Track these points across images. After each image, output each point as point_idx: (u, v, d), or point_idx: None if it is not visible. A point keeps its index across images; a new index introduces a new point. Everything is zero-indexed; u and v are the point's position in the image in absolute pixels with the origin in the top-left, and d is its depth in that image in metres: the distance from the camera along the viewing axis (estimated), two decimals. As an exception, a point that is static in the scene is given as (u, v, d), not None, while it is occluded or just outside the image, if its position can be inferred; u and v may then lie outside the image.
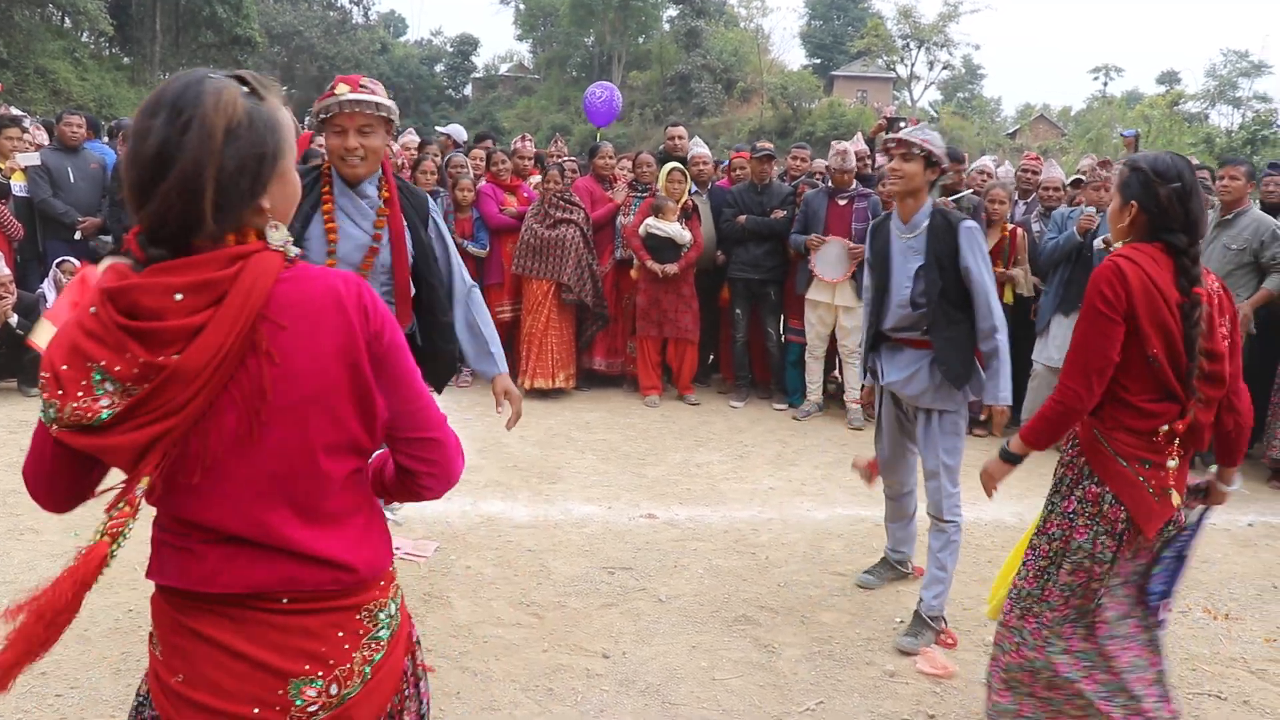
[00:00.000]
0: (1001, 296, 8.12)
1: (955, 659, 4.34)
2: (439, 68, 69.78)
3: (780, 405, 9.03)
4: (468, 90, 70.23)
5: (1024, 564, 3.45)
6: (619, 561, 5.22)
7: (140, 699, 1.90)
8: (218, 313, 1.59)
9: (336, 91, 3.46)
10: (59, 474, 1.73)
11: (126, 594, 4.48)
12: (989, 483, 3.59)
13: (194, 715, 1.74)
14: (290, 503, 1.73)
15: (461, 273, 3.93)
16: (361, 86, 3.48)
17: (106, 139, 11.29)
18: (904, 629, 4.61)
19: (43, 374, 1.62)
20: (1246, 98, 59.40)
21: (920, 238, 4.54)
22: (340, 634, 1.79)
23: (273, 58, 53.11)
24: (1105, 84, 66.96)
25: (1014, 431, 3.52)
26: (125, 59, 42.29)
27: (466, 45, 70.71)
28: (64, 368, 1.59)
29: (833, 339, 8.56)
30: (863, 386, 4.62)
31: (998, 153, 41.81)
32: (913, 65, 63.55)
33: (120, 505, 1.63)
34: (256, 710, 1.73)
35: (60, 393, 1.59)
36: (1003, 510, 6.44)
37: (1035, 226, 8.38)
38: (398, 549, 3.50)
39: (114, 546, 1.62)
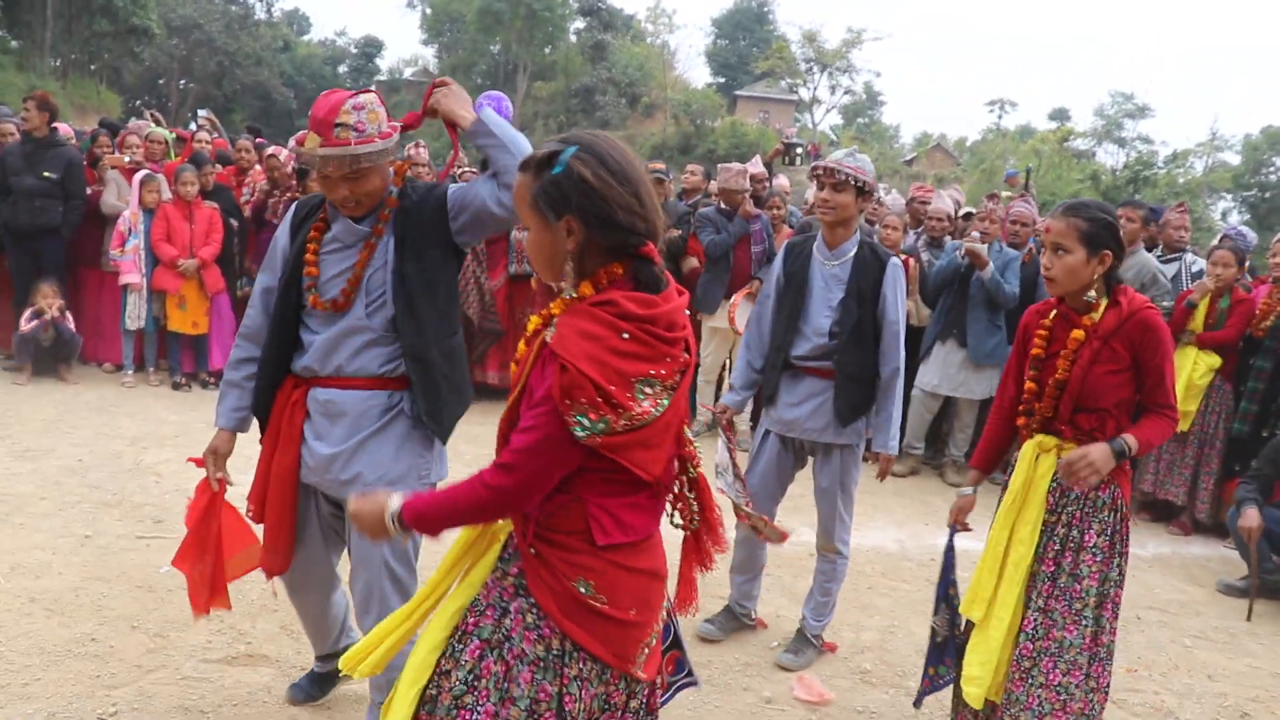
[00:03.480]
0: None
1: (831, 686, 4.38)
2: (342, 69, 68.84)
3: (670, 426, 9.00)
4: (371, 93, 69.30)
5: (1056, 619, 3.36)
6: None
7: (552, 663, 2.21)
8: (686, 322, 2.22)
9: (305, 144, 2.95)
10: (556, 479, 2.14)
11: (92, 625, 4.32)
12: (1091, 474, 3.23)
13: (642, 634, 2.28)
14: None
15: None
16: (338, 129, 2.90)
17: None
18: (785, 646, 4.67)
19: (582, 400, 2.00)
20: (1131, 138, 61.53)
21: (845, 266, 4.42)
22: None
23: (170, 50, 51.80)
24: (1000, 117, 68.81)
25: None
26: (13, 43, 40.83)
27: (371, 47, 69.97)
28: (612, 388, 2.01)
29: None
30: (721, 405, 4.42)
31: (894, 179, 42.69)
32: (815, 89, 64.55)
33: (689, 491, 2.39)
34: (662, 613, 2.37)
35: (611, 409, 2.02)
36: (884, 537, 6.55)
37: (924, 256, 8.53)
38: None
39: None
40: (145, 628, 4.28)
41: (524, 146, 3.04)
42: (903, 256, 8.25)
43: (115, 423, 7.49)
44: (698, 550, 2.46)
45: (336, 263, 3.13)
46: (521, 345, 2.24)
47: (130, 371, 8.89)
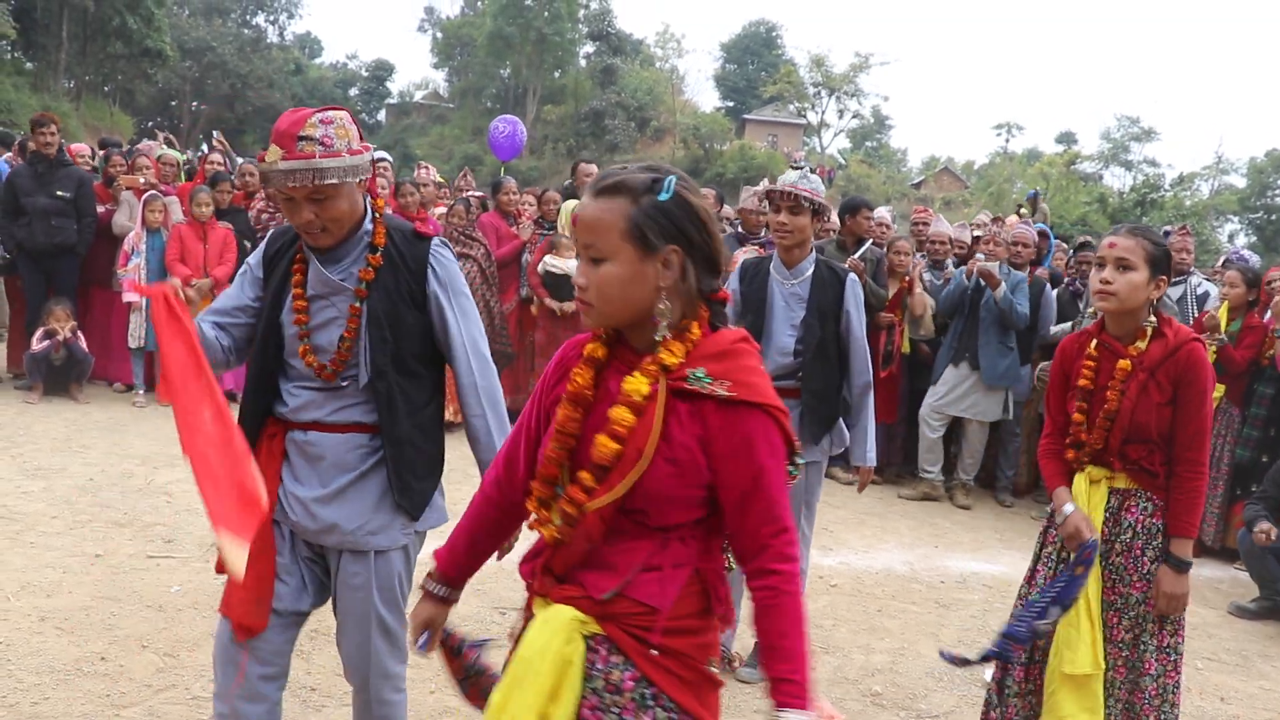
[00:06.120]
0: (901, 346, 8.31)
1: (842, 709, 4.36)
2: (353, 91, 69.26)
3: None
4: (381, 115, 69.77)
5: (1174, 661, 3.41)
6: (511, 601, 5.17)
7: None
8: None
9: (266, 158, 2.64)
10: None
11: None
12: (1182, 603, 3.34)
13: None
14: None
15: (471, 359, 2.91)
16: (302, 142, 2.60)
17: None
18: (747, 660, 4.66)
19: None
20: (1137, 161, 61.61)
21: (805, 284, 4.46)
22: None
23: (184, 72, 52.16)
24: (1007, 140, 68.76)
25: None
26: (28, 64, 41.12)
27: (382, 70, 70.38)
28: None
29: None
30: None
31: (902, 202, 42.75)
32: (823, 113, 64.69)
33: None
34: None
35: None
36: (894, 559, 6.53)
37: (925, 277, 8.56)
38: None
39: None
40: (156, 647, 4.28)
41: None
42: (909, 278, 8.31)
43: (126, 442, 7.51)
44: None
45: (318, 314, 2.84)
46: (570, 396, 1.99)
47: (141, 391, 8.92)
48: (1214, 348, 7.13)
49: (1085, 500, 3.40)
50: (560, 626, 1.91)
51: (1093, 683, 3.33)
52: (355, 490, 2.84)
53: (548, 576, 2.00)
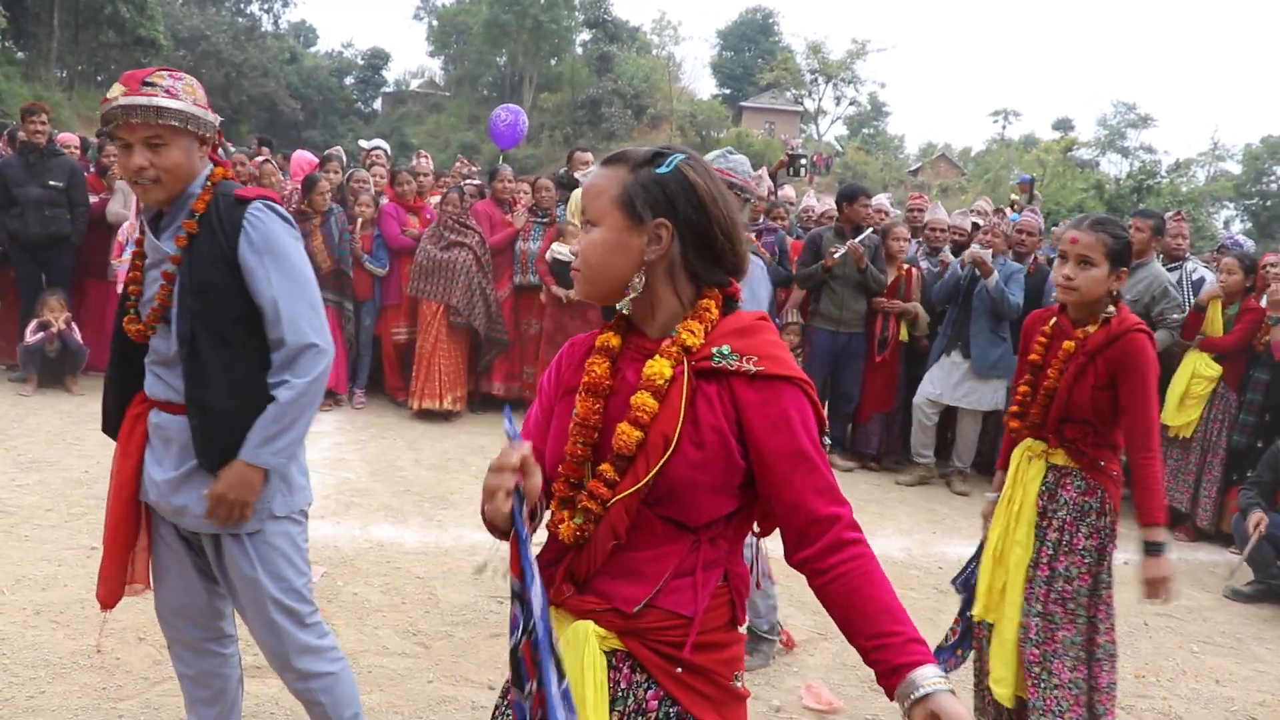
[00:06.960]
0: (897, 334, 8.32)
1: (840, 694, 4.37)
2: (349, 80, 68.95)
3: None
4: (377, 104, 69.54)
5: (1057, 621, 3.43)
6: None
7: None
8: None
9: (110, 95, 2.65)
10: None
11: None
12: (1169, 586, 3.44)
13: None
14: None
15: (282, 324, 2.77)
16: (146, 86, 2.63)
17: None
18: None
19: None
20: (1134, 148, 61.66)
21: None
22: None
23: (177, 61, 51.82)
24: (1004, 127, 68.67)
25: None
26: (19, 53, 40.91)
27: (377, 59, 70.03)
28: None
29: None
30: None
31: (899, 189, 42.70)
32: (820, 100, 64.64)
33: None
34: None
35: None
36: (891, 545, 6.53)
37: (922, 264, 8.59)
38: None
39: None
40: (152, 640, 4.26)
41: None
42: (907, 266, 8.31)
43: (122, 434, 7.48)
44: None
45: (150, 284, 2.87)
46: (588, 387, 1.91)
47: (136, 383, 8.87)
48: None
49: (1021, 472, 3.55)
50: (589, 648, 1.82)
51: (1005, 639, 3.49)
52: (202, 474, 2.81)
53: (567, 584, 1.89)
